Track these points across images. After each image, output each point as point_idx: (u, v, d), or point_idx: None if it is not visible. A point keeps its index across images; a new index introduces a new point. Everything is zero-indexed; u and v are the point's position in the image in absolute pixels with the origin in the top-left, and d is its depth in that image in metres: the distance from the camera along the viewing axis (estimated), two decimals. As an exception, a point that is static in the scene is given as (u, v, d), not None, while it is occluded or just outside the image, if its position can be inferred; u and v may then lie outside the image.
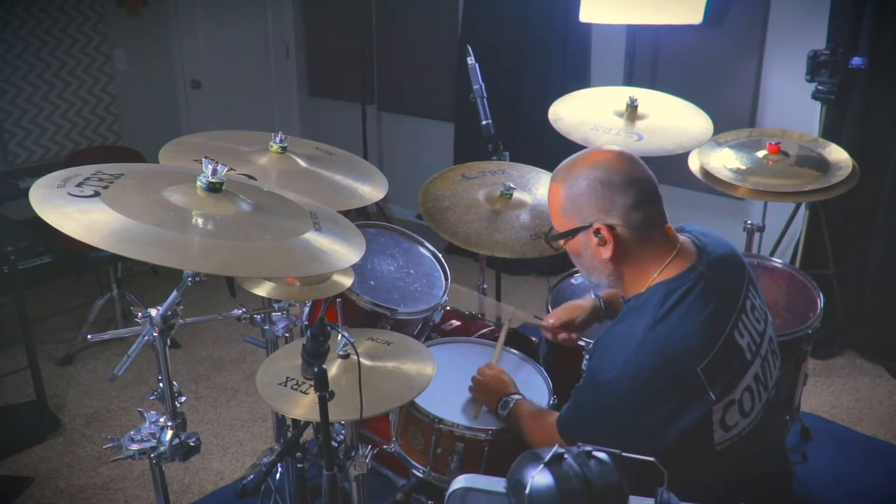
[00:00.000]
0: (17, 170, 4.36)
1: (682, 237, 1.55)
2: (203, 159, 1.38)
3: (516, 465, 1.15)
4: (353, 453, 1.67)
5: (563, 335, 1.93)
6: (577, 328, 1.93)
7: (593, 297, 1.95)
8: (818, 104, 3.41)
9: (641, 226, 1.48)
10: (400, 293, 2.17)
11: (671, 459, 1.34)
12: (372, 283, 2.16)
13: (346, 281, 1.91)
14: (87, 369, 3.64)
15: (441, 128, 5.11)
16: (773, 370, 1.57)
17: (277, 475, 2.43)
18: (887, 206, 3.42)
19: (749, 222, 2.89)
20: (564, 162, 1.57)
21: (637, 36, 4.10)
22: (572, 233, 1.52)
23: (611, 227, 1.47)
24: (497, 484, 1.19)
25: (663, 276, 1.48)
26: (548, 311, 2.20)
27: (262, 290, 1.93)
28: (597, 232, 1.48)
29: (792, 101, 3.70)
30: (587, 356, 1.92)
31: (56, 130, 4.60)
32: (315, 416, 1.46)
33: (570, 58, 4.39)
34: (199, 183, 1.36)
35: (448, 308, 2.26)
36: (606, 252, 1.49)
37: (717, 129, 2.60)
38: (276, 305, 2.08)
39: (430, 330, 2.21)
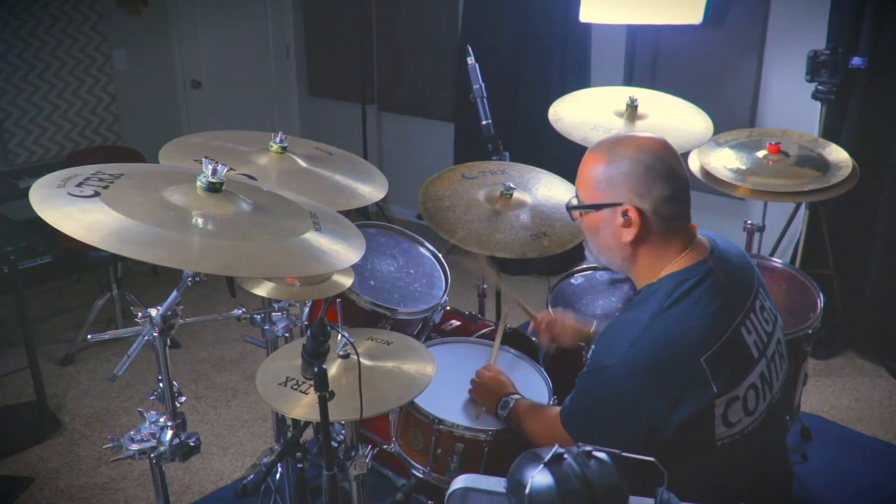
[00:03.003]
0: (17, 170, 4.36)
1: (697, 235, 1.56)
2: (203, 159, 1.38)
3: (516, 465, 1.15)
4: (353, 453, 1.67)
5: (545, 336, 2.00)
6: (561, 343, 1.99)
7: (594, 329, 1.97)
8: (818, 104, 3.41)
9: (668, 219, 1.49)
10: (400, 293, 2.17)
11: (673, 452, 1.34)
12: (372, 283, 2.16)
13: (346, 281, 1.91)
14: (87, 369, 3.64)
15: (441, 128, 5.11)
16: (779, 372, 1.57)
17: (277, 475, 2.43)
18: (887, 206, 3.42)
19: (749, 222, 2.89)
20: (610, 137, 1.57)
21: (637, 36, 4.10)
22: (597, 207, 1.51)
23: (640, 212, 1.47)
24: (497, 484, 1.19)
25: (675, 268, 1.49)
26: (547, 311, 2.20)
27: (262, 290, 1.93)
28: (625, 213, 1.48)
29: (792, 101, 3.70)
30: (591, 346, 1.94)
31: (56, 130, 4.60)
32: (315, 416, 1.46)
33: (570, 58, 4.39)
34: (199, 183, 1.36)
35: (448, 308, 2.26)
36: (629, 235, 1.49)
37: (717, 129, 2.60)
38: (276, 305, 2.08)
39: (430, 330, 2.21)
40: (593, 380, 1.50)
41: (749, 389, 1.47)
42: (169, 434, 1.52)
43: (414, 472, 1.84)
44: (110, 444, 1.51)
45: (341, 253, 1.41)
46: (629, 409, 1.43)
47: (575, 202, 1.56)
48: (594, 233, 1.56)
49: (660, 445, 1.40)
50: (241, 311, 1.82)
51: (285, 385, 1.59)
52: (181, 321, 1.53)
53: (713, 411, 1.43)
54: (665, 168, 1.48)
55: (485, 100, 2.62)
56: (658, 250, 1.51)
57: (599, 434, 1.42)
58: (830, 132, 3.39)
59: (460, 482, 1.22)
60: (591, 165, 1.53)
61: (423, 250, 2.37)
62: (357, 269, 1.99)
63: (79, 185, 1.30)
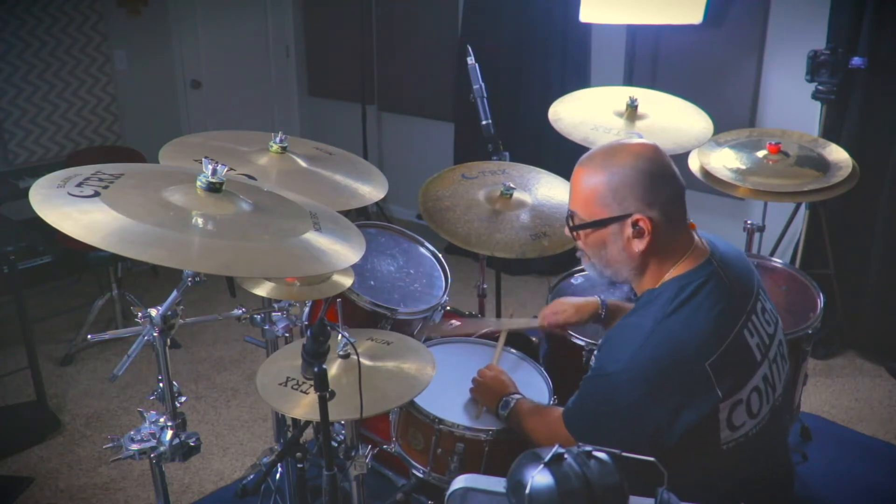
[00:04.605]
0: (17, 170, 4.36)
1: (695, 236, 1.56)
2: (203, 159, 1.38)
3: (516, 465, 1.15)
4: (353, 453, 1.67)
5: (556, 329, 1.98)
6: (574, 324, 1.96)
7: (597, 300, 1.95)
8: (818, 104, 3.41)
9: (675, 220, 1.48)
10: (400, 293, 2.17)
11: (677, 456, 1.34)
12: (372, 283, 2.16)
13: (346, 281, 1.91)
14: (87, 369, 3.64)
15: (441, 128, 5.11)
16: (781, 374, 1.57)
17: (277, 475, 2.43)
18: (887, 206, 3.42)
19: (749, 222, 2.89)
20: (597, 149, 1.52)
21: (637, 36, 4.10)
22: (606, 222, 1.48)
23: (651, 220, 1.45)
24: (497, 484, 1.19)
25: (678, 272, 1.48)
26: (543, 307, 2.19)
27: (262, 290, 1.93)
28: (635, 223, 1.45)
29: (792, 101, 3.70)
30: (595, 350, 1.94)
31: (56, 130, 4.60)
32: (315, 416, 1.46)
33: (570, 58, 4.39)
34: (199, 183, 1.36)
35: (448, 308, 2.26)
36: (640, 244, 1.46)
37: (717, 129, 2.60)
38: (276, 305, 2.08)
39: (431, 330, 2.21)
40: (597, 385, 1.49)
41: (752, 392, 1.47)
42: (169, 434, 1.52)
43: (414, 472, 1.84)
44: (110, 444, 1.51)
45: (341, 253, 1.41)
46: (633, 415, 1.43)
47: (579, 222, 1.52)
48: (600, 248, 1.51)
49: (664, 450, 1.39)
50: (241, 311, 1.82)
51: (285, 385, 1.59)
52: (181, 321, 1.52)
53: (718, 416, 1.42)
54: (664, 171, 1.47)
55: (485, 100, 2.62)
56: (665, 255, 1.49)
57: (603, 438, 1.42)
58: (830, 132, 3.39)
59: (460, 482, 1.22)
60: (588, 180, 1.49)
61: (423, 250, 2.37)
62: (357, 269, 1.99)
63: (79, 185, 1.30)
